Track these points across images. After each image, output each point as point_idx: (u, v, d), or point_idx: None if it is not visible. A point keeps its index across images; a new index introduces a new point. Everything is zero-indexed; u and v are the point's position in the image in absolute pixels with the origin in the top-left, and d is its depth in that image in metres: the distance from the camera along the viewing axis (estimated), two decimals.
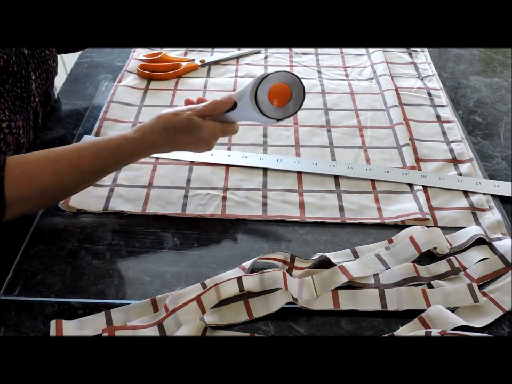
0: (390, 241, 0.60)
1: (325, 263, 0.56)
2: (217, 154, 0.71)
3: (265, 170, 0.69)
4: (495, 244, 0.59)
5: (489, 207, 0.64)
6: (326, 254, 0.57)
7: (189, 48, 0.95)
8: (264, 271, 0.53)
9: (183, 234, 0.60)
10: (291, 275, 0.55)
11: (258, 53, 0.94)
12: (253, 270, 0.55)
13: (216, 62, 0.92)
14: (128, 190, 0.65)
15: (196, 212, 0.63)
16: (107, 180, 0.66)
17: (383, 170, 0.69)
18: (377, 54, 0.93)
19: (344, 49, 0.96)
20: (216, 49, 0.95)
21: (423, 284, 0.55)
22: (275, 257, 0.56)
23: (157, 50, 0.92)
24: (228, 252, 0.59)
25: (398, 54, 0.95)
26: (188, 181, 0.67)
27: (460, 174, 0.69)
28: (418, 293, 0.53)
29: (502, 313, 0.52)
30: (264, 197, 0.65)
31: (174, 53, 0.93)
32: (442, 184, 0.67)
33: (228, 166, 0.70)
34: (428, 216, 0.62)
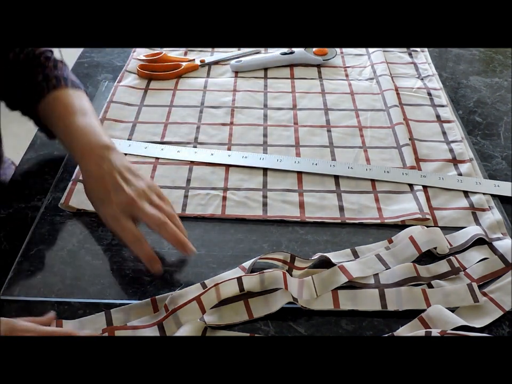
0: (390, 241, 0.60)
1: (325, 263, 0.56)
2: (217, 154, 0.71)
3: (265, 170, 0.69)
4: (495, 243, 0.59)
5: (489, 207, 0.64)
6: (326, 254, 0.57)
7: (189, 48, 0.95)
8: (264, 271, 0.53)
9: None
10: (291, 275, 0.55)
11: (258, 53, 0.94)
12: (253, 270, 0.55)
13: (216, 62, 0.92)
14: None
15: (195, 212, 0.63)
16: None
17: (383, 170, 0.69)
18: (377, 54, 0.92)
19: (344, 49, 0.96)
20: (216, 49, 0.95)
21: (423, 284, 0.55)
22: (275, 257, 0.56)
23: (157, 50, 0.92)
24: (228, 251, 0.59)
25: (398, 54, 0.95)
26: (188, 181, 0.67)
27: (460, 174, 0.69)
28: (418, 293, 0.53)
29: (502, 313, 0.52)
30: (264, 197, 0.65)
31: (174, 53, 0.93)
32: (442, 184, 0.67)
33: (228, 166, 0.70)
34: (428, 216, 0.62)
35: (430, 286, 0.55)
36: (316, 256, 0.57)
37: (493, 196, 0.65)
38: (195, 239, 0.59)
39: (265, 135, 0.75)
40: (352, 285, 0.54)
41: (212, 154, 0.71)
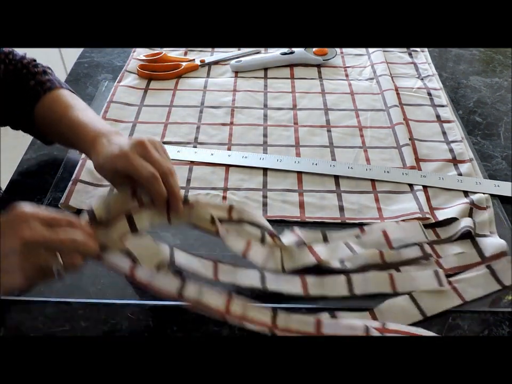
0: (362, 230, 0.60)
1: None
2: (217, 154, 0.71)
3: (265, 170, 0.69)
4: (478, 239, 0.59)
5: (486, 206, 0.63)
6: (297, 231, 0.58)
7: (189, 48, 0.95)
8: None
9: (183, 234, 0.60)
10: (264, 242, 0.56)
11: (258, 53, 0.94)
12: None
13: (216, 62, 0.92)
14: None
15: None
16: None
17: (383, 170, 0.69)
18: (377, 54, 0.92)
19: (344, 49, 0.96)
20: (216, 49, 0.95)
21: (391, 269, 0.56)
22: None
23: (157, 50, 0.92)
24: (228, 251, 0.59)
25: (398, 54, 0.95)
26: (188, 181, 0.67)
27: (460, 174, 0.69)
28: (384, 278, 0.54)
29: (461, 302, 0.53)
30: (264, 197, 0.65)
31: (174, 53, 0.93)
32: (442, 184, 0.67)
33: (228, 166, 0.70)
34: (428, 216, 0.62)
35: (398, 271, 0.56)
36: (288, 233, 0.58)
37: (493, 195, 0.65)
38: (195, 239, 0.59)
39: (265, 135, 0.75)
40: (319, 267, 0.55)
41: (212, 154, 0.71)
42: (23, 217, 0.43)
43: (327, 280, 0.54)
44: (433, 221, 0.61)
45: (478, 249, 0.58)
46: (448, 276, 0.55)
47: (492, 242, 0.58)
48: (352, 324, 0.49)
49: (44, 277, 0.45)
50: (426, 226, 0.60)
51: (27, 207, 0.44)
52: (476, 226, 0.60)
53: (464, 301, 0.53)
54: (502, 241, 0.58)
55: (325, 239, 0.59)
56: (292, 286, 0.54)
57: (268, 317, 0.50)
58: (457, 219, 0.60)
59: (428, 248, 0.57)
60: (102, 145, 0.56)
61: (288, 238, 0.58)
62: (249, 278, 0.54)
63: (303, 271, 0.55)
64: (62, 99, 0.64)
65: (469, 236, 0.59)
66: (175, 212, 0.52)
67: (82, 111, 0.63)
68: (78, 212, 0.62)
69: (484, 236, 0.59)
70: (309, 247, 0.57)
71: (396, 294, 0.53)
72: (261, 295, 0.52)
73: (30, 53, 0.73)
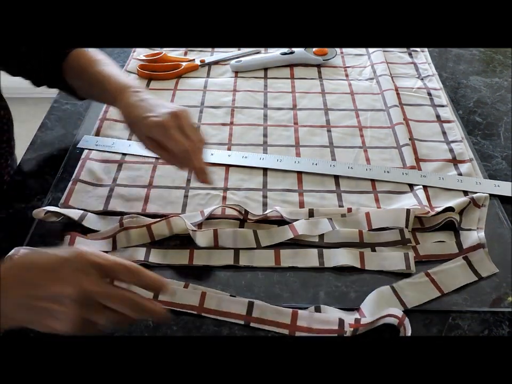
0: (349, 210, 0.61)
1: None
2: (217, 154, 0.71)
3: (265, 170, 0.69)
4: (461, 232, 0.60)
5: (481, 204, 0.63)
6: (280, 210, 0.60)
7: (189, 48, 0.95)
8: (218, 228, 0.58)
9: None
10: (244, 227, 0.60)
11: (258, 53, 0.94)
12: (210, 217, 0.60)
13: (216, 62, 0.92)
14: (128, 190, 0.65)
15: (196, 211, 0.63)
16: (107, 179, 0.66)
17: (383, 170, 0.69)
18: (377, 54, 0.92)
19: (344, 49, 0.96)
20: (216, 49, 0.95)
21: (366, 248, 0.58)
22: (232, 207, 0.61)
23: (157, 50, 0.92)
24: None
25: (398, 54, 0.95)
26: (188, 181, 0.67)
27: (460, 174, 0.69)
28: (354, 254, 0.56)
29: (439, 294, 0.53)
30: (264, 197, 0.65)
31: (174, 53, 0.93)
32: (442, 184, 0.67)
33: (228, 166, 0.70)
34: (427, 209, 0.61)
35: (374, 251, 0.57)
36: (269, 211, 0.60)
37: (493, 195, 0.65)
38: None
39: (265, 135, 0.75)
40: (296, 242, 0.58)
41: (212, 154, 0.71)
42: (83, 261, 0.39)
43: (300, 252, 0.57)
44: (431, 215, 0.61)
45: (458, 240, 0.59)
46: (422, 262, 0.56)
47: (472, 235, 0.59)
48: (326, 317, 0.50)
49: (86, 329, 0.40)
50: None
51: (88, 249, 0.40)
52: (463, 220, 0.61)
53: (443, 293, 0.53)
54: (481, 235, 0.58)
55: (311, 215, 0.61)
56: (265, 259, 0.56)
57: (244, 308, 0.51)
58: (453, 209, 0.61)
59: (407, 234, 0.58)
60: (131, 103, 0.59)
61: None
62: (222, 258, 0.56)
63: (280, 245, 0.58)
64: (87, 54, 0.68)
65: (453, 228, 0.60)
66: (201, 181, 0.57)
67: (106, 65, 0.66)
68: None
69: (469, 230, 0.60)
70: (291, 226, 0.59)
71: (364, 270, 0.56)
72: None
73: None
